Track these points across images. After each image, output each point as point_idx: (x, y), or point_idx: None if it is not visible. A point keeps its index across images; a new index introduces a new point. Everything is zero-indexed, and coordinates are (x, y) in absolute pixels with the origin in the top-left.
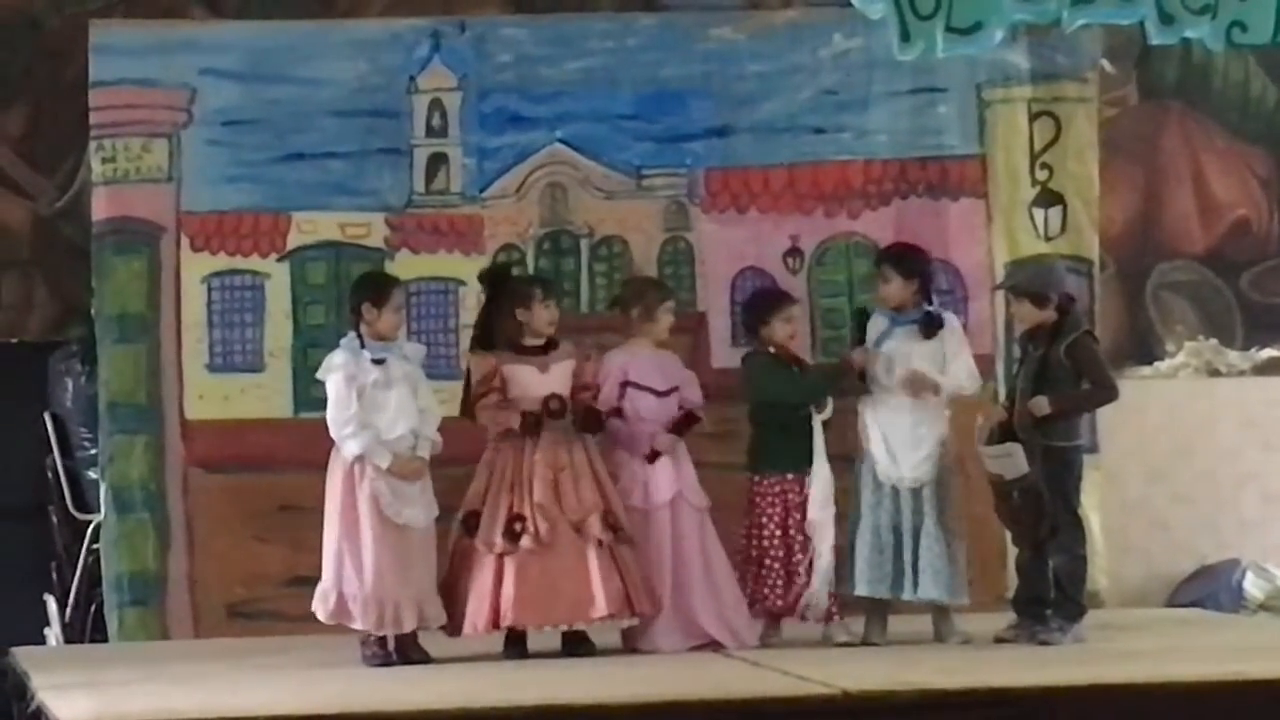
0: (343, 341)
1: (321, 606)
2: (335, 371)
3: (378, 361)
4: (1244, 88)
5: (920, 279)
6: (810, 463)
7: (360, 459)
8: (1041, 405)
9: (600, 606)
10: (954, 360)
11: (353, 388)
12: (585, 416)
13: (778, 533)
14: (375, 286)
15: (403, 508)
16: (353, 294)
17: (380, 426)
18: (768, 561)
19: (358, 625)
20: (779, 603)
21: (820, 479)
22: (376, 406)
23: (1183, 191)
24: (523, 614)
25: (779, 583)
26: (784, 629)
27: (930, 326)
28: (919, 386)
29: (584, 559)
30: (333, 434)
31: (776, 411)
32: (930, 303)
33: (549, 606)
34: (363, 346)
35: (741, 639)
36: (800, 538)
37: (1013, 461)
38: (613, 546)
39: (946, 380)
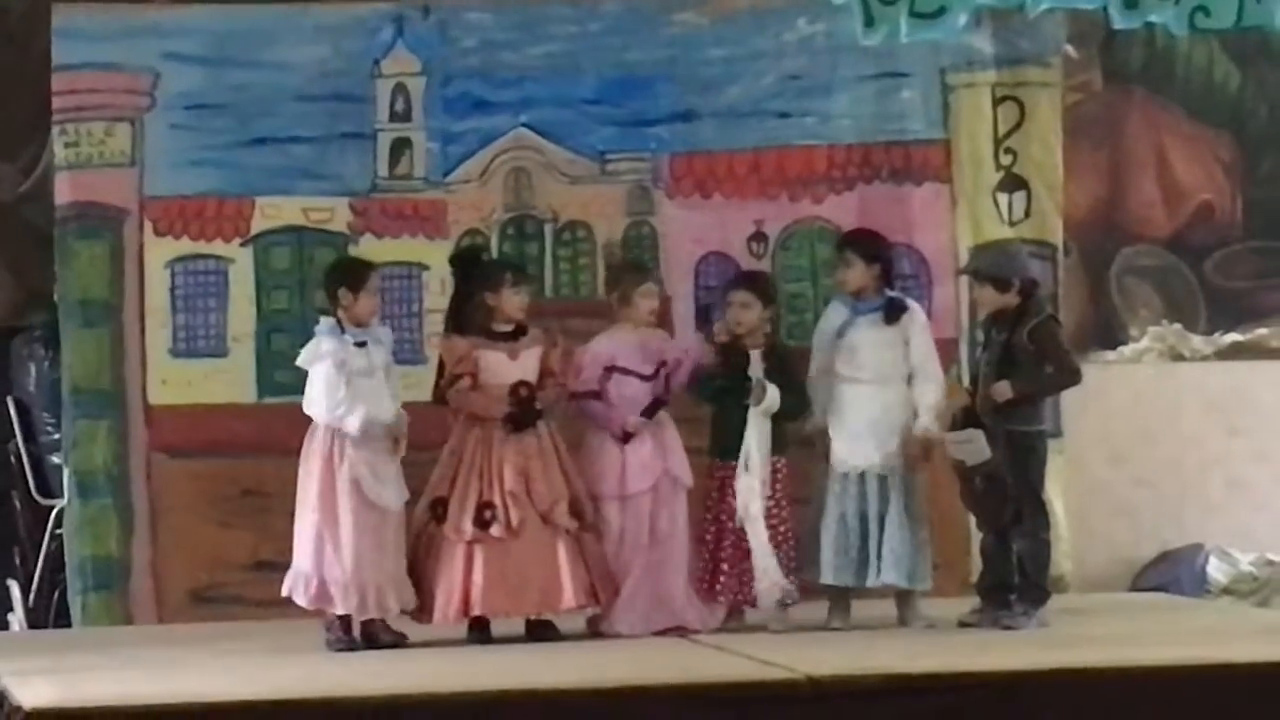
0: (322, 328)
1: (301, 592)
2: (324, 359)
3: (359, 345)
4: (1208, 72)
5: (882, 264)
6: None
7: (341, 440)
8: (1004, 390)
9: (569, 597)
10: (918, 350)
11: (343, 373)
12: (524, 410)
13: (715, 517)
14: (351, 271)
15: (382, 490)
16: (328, 280)
17: (370, 408)
18: (703, 548)
19: (339, 610)
20: (702, 584)
21: (751, 472)
22: (360, 391)
23: (1146, 176)
24: (492, 603)
25: (708, 566)
26: (748, 613)
27: (893, 312)
28: (928, 449)
29: (553, 548)
30: (324, 418)
31: (718, 398)
32: (891, 288)
33: (519, 596)
34: (343, 332)
35: (706, 622)
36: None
37: (975, 447)
38: (578, 535)
39: (937, 430)
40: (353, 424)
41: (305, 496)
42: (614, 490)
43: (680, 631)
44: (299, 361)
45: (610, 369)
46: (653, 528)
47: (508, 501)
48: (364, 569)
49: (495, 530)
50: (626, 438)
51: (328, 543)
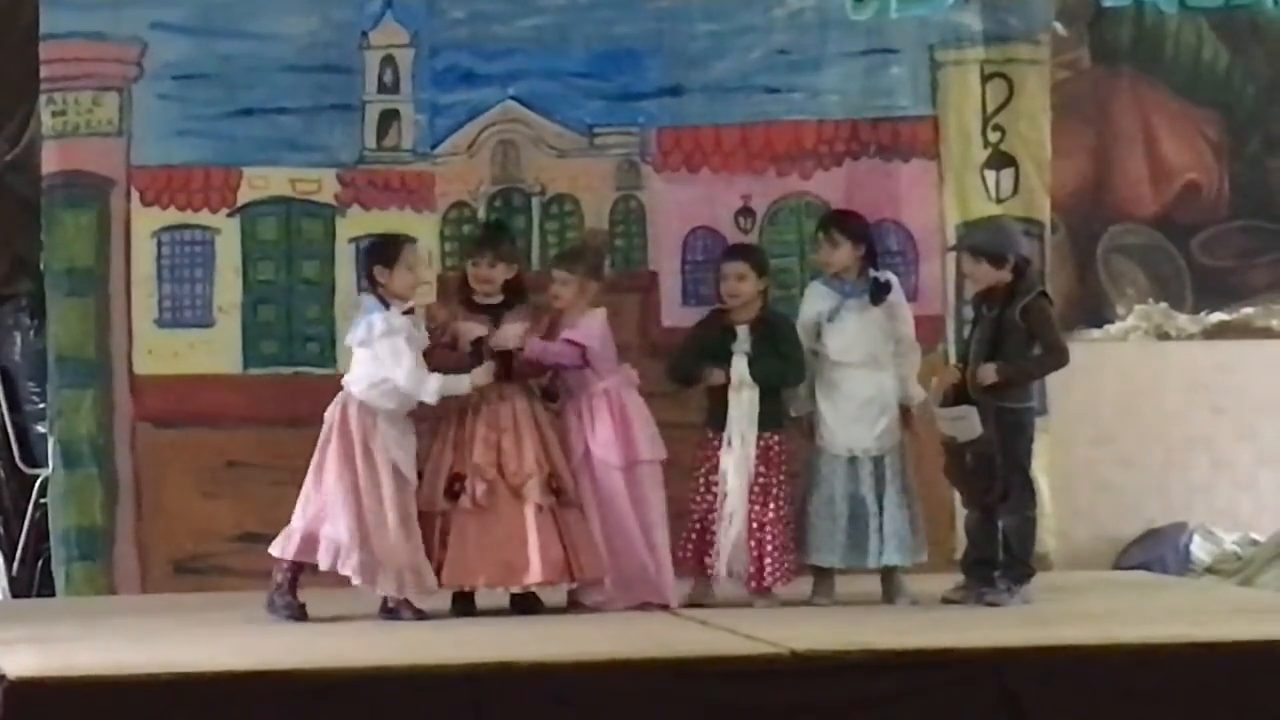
0: (369, 305)
1: (346, 563)
2: (396, 334)
3: (407, 313)
4: (1196, 51)
5: (867, 244)
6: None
7: (374, 419)
8: (989, 374)
9: (535, 572)
10: (901, 323)
11: (413, 345)
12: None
13: (703, 488)
14: (384, 248)
15: (411, 471)
16: (365, 260)
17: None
18: (691, 518)
19: (389, 592)
20: (682, 555)
21: (734, 447)
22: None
23: (1134, 155)
24: (456, 574)
25: (692, 538)
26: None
27: (880, 293)
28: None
29: (522, 523)
30: (409, 389)
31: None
32: (875, 268)
33: (482, 568)
34: (388, 307)
35: (668, 600)
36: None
37: (967, 424)
38: (555, 510)
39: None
40: (432, 386)
41: (336, 472)
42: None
43: (660, 606)
44: (348, 341)
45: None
46: (595, 504)
47: (475, 475)
48: (405, 550)
49: (464, 502)
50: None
51: (371, 521)
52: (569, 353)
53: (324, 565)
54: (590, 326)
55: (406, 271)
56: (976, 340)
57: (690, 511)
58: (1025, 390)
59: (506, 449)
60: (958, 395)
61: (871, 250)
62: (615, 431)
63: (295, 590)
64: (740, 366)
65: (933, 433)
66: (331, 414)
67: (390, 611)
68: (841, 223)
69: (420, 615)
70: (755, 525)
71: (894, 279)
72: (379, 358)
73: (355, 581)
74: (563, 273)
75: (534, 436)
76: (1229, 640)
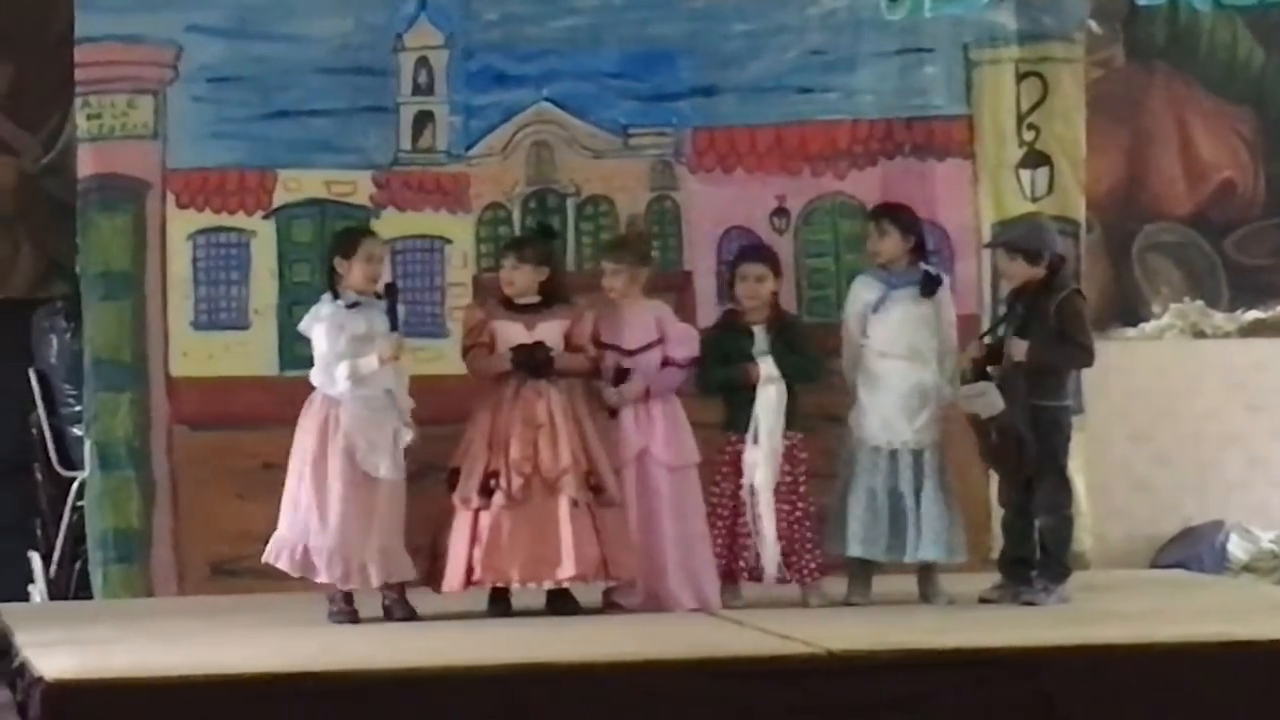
0: (324, 296)
1: (286, 559)
2: (321, 321)
3: (351, 306)
4: (1231, 49)
5: (917, 237)
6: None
7: (336, 409)
8: (1021, 349)
9: (568, 568)
10: (945, 322)
11: (340, 335)
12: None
13: (729, 491)
14: (343, 240)
15: (379, 461)
16: (327, 252)
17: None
18: (716, 521)
19: (322, 579)
20: (722, 563)
21: (759, 444)
22: (358, 354)
23: (1168, 153)
24: (489, 571)
25: (724, 541)
26: (747, 591)
27: (929, 286)
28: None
29: (555, 518)
30: (319, 380)
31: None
32: (926, 262)
33: (515, 564)
34: (336, 298)
35: (707, 602)
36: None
37: (987, 400)
38: (592, 507)
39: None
40: (341, 374)
41: (296, 464)
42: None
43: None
44: (300, 327)
45: (598, 343)
46: (643, 505)
47: (511, 470)
48: (349, 539)
49: (498, 498)
50: (613, 413)
51: (314, 511)
52: (678, 375)
53: (265, 559)
54: (683, 335)
55: (364, 263)
56: (1007, 326)
57: (714, 516)
58: (1061, 388)
59: (543, 445)
60: (977, 373)
61: (921, 243)
62: (670, 433)
63: (350, 595)
64: (767, 364)
65: (969, 434)
66: (304, 407)
67: (386, 611)
68: (891, 213)
69: (410, 615)
70: (784, 524)
71: (945, 277)
72: (316, 345)
73: (292, 574)
74: (611, 264)
75: (571, 433)
76: (1266, 639)
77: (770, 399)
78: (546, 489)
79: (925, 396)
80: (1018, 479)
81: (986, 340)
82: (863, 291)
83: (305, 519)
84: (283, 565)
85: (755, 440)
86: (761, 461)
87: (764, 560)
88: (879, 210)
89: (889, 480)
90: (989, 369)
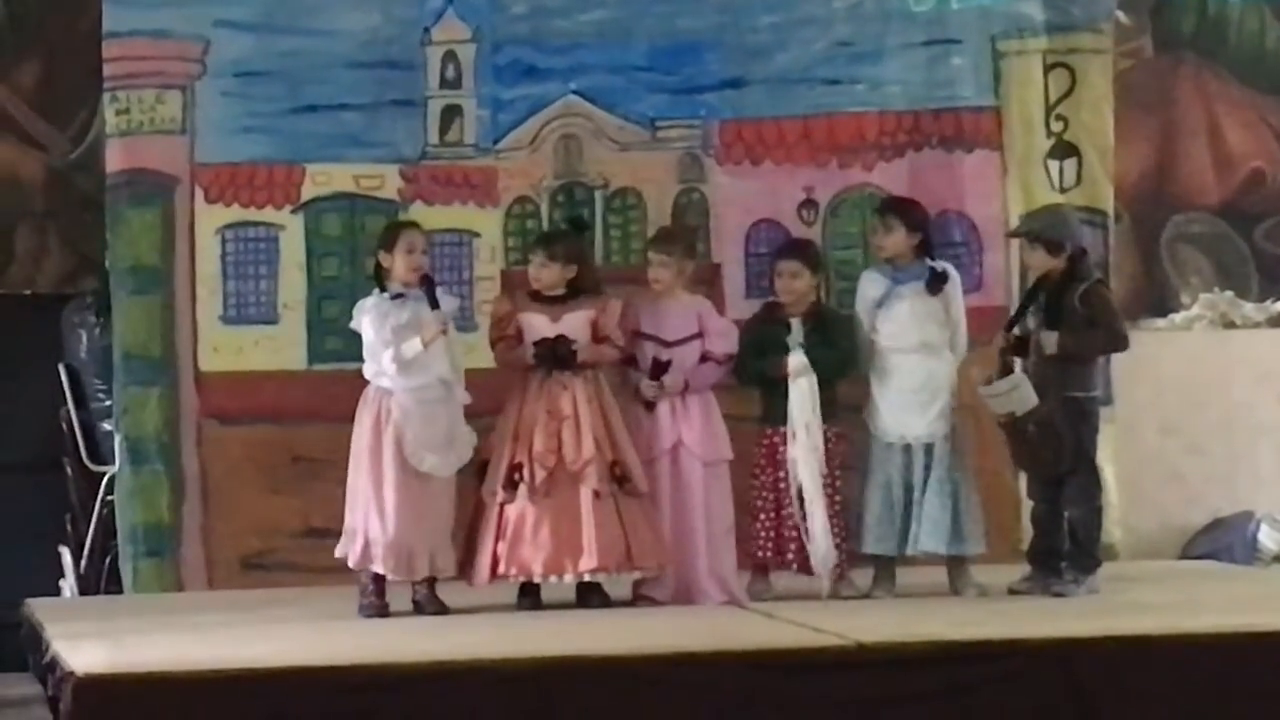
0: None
1: (350, 551)
2: (366, 313)
3: (395, 298)
4: (1259, 39)
5: (923, 233)
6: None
7: (388, 402)
8: (1051, 342)
9: (590, 559)
10: (958, 317)
11: (384, 325)
12: (543, 352)
13: (769, 483)
14: (384, 234)
15: (425, 454)
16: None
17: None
18: (760, 514)
19: (378, 569)
20: (762, 554)
21: (798, 440)
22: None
23: (1197, 143)
24: (514, 564)
25: (769, 534)
26: (774, 583)
27: (937, 283)
28: None
29: (578, 510)
30: (369, 371)
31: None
32: (932, 258)
33: (538, 557)
34: (382, 291)
35: (734, 596)
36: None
37: (1021, 394)
38: (617, 497)
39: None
40: (387, 360)
41: (355, 455)
42: (642, 454)
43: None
44: (351, 325)
45: (636, 334)
46: (676, 498)
47: (535, 463)
48: (403, 531)
49: (522, 491)
50: (649, 405)
51: (373, 504)
52: (716, 370)
53: (338, 554)
54: (724, 331)
55: (405, 255)
56: (1033, 315)
57: (755, 509)
58: (1090, 378)
59: (566, 437)
60: (1005, 366)
61: (927, 239)
62: (705, 427)
63: (382, 589)
64: (798, 355)
65: (994, 421)
66: (360, 401)
67: (416, 606)
68: (897, 208)
69: (441, 609)
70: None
71: (953, 271)
72: (365, 337)
73: (354, 568)
74: (661, 255)
75: (596, 424)
76: None
77: (803, 390)
78: (570, 481)
79: (936, 389)
80: (1053, 473)
81: (1015, 332)
82: (868, 287)
83: (364, 511)
84: (350, 560)
85: (794, 435)
86: (802, 458)
87: (814, 561)
88: (885, 205)
89: (904, 475)
90: (1016, 362)
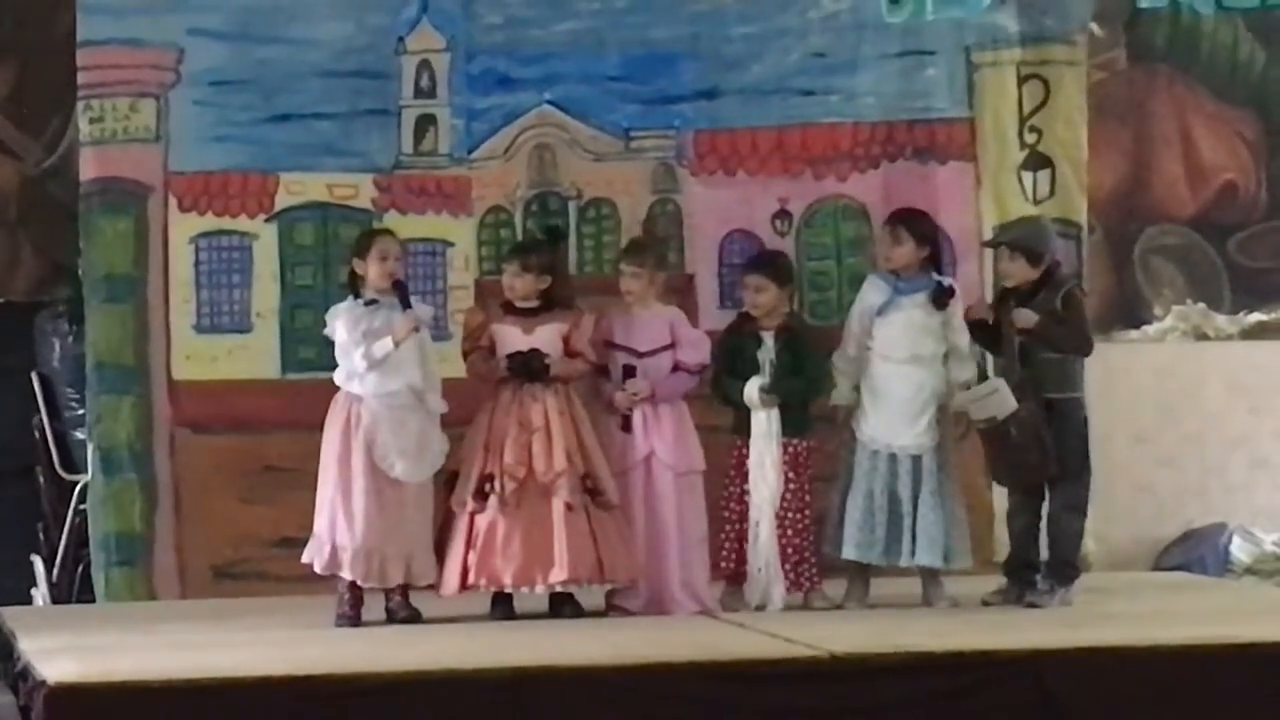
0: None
1: (316, 557)
2: (339, 317)
3: (369, 304)
4: (1232, 51)
5: (932, 246)
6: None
7: (358, 409)
8: (1027, 317)
9: (561, 571)
10: (958, 335)
11: (356, 330)
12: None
13: (737, 494)
14: (359, 241)
15: (396, 460)
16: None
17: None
18: (726, 525)
19: (346, 576)
20: (726, 564)
21: (756, 459)
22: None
23: (1171, 155)
24: (484, 574)
25: (734, 545)
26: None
27: (944, 297)
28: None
29: (550, 522)
30: (340, 377)
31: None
32: (940, 273)
33: (509, 568)
34: (356, 297)
35: (707, 606)
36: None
37: (999, 398)
38: (589, 509)
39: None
40: (358, 359)
41: (324, 463)
42: (615, 465)
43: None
44: (325, 331)
45: (609, 344)
46: (649, 509)
47: (505, 474)
48: (372, 537)
49: (492, 502)
50: (626, 421)
51: (340, 510)
52: (688, 380)
53: (304, 559)
54: (696, 341)
55: (379, 261)
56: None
57: (724, 519)
58: (1068, 379)
59: (538, 450)
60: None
61: (936, 253)
62: (677, 438)
63: (358, 599)
64: (754, 387)
65: (973, 439)
66: (330, 408)
67: (389, 613)
68: (909, 220)
69: (414, 617)
70: (790, 531)
71: (956, 287)
72: (336, 341)
73: (321, 573)
74: (632, 267)
75: (567, 436)
76: (1269, 641)
77: (762, 421)
78: (542, 493)
79: (925, 401)
80: (1038, 479)
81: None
82: (871, 294)
83: (331, 517)
84: (315, 565)
85: (753, 457)
86: (760, 478)
87: (748, 588)
88: (896, 216)
89: (888, 484)
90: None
